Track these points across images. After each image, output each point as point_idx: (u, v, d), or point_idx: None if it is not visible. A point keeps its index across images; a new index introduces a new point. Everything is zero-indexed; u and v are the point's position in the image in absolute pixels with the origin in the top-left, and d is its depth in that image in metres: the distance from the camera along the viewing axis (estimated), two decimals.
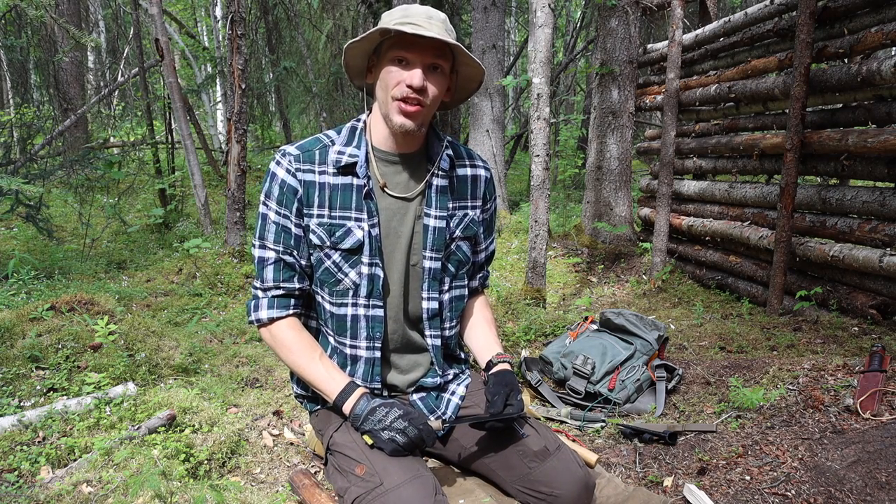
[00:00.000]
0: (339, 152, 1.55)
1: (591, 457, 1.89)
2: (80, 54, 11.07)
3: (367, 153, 1.57)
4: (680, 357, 3.39)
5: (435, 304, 1.63)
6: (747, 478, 2.05)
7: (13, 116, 9.28)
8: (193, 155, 6.27)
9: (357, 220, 1.54)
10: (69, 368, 2.60)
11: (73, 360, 2.66)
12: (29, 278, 4.34)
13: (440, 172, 1.61)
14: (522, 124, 13.12)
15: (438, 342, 1.65)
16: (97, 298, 3.15)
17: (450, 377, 1.72)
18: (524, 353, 3.23)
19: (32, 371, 2.58)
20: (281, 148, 1.59)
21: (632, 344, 2.93)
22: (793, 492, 1.92)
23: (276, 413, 2.62)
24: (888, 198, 3.58)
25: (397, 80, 1.46)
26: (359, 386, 1.54)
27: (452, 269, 1.67)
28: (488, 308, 1.84)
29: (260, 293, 1.59)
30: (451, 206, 1.64)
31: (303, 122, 13.79)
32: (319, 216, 1.54)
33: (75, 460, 2.08)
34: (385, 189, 1.58)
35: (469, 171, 1.69)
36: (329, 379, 1.54)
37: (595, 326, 3.21)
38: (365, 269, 1.55)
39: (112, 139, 10.89)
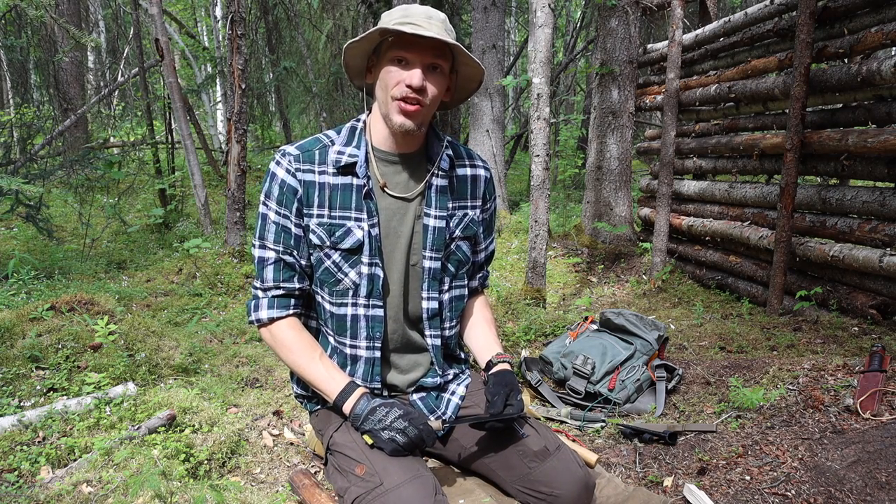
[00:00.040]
0: (339, 152, 1.55)
1: (591, 457, 1.89)
2: (80, 54, 11.07)
3: (366, 153, 1.57)
4: (680, 357, 3.39)
5: (435, 304, 1.63)
6: (747, 478, 2.05)
7: (13, 116, 9.28)
8: (193, 155, 6.27)
9: (357, 220, 1.54)
10: (69, 368, 2.60)
11: (73, 360, 2.66)
12: (29, 278, 4.34)
13: (440, 172, 1.61)
14: (522, 124, 13.12)
15: (438, 342, 1.65)
16: (97, 298, 3.15)
17: (450, 377, 1.72)
18: (524, 353, 3.23)
19: (32, 371, 2.58)
20: (281, 148, 1.59)
21: (632, 344, 2.93)
22: (793, 492, 1.92)
23: (276, 413, 2.62)
24: (888, 198, 3.58)
25: (397, 79, 1.46)
26: (359, 386, 1.54)
27: (452, 268, 1.67)
28: (488, 308, 1.84)
29: (260, 293, 1.59)
30: (450, 205, 1.64)
31: (303, 122, 13.79)
32: (319, 216, 1.54)
33: (75, 460, 2.08)
34: (385, 189, 1.58)
35: (469, 171, 1.69)
36: (329, 379, 1.54)
37: (595, 326, 3.21)
38: (365, 269, 1.55)
39: (112, 139, 10.89)
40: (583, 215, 6.78)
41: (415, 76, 1.44)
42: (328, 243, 1.54)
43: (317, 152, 1.55)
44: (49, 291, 4.11)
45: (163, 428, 2.25)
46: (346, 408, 1.51)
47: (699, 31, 5.64)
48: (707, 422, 2.52)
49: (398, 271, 1.60)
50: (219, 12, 13.02)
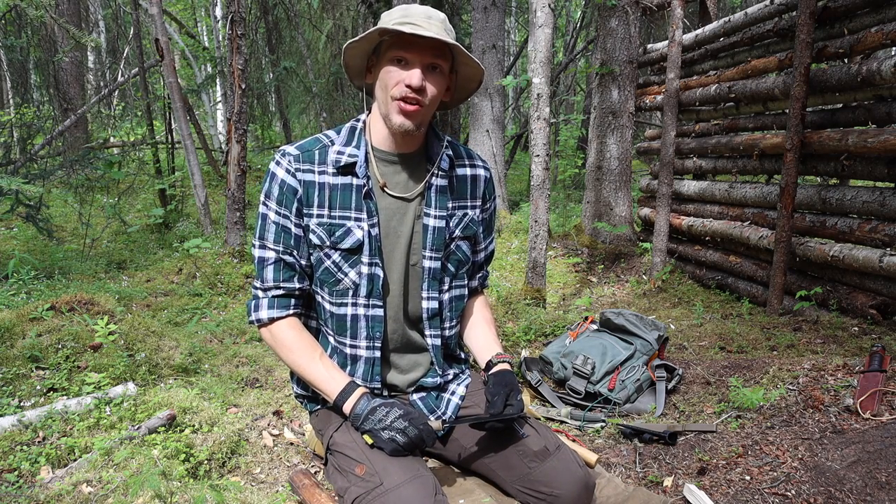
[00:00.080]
0: (339, 152, 1.55)
1: (591, 457, 1.89)
2: (80, 54, 11.07)
3: (366, 153, 1.57)
4: (680, 357, 3.39)
5: (435, 304, 1.63)
6: (747, 478, 2.05)
7: (13, 116, 9.28)
8: (193, 155, 6.27)
9: (357, 219, 1.54)
10: (69, 368, 2.60)
11: (73, 360, 2.66)
12: (29, 278, 4.34)
13: (440, 172, 1.61)
14: (522, 124, 13.12)
15: (438, 342, 1.65)
16: (97, 298, 3.15)
17: (450, 377, 1.72)
18: (524, 353, 3.23)
19: (32, 371, 2.58)
20: (281, 148, 1.59)
21: (632, 344, 2.93)
22: (793, 492, 1.92)
23: (276, 413, 2.62)
24: (888, 198, 3.58)
25: (396, 79, 1.46)
26: (359, 386, 1.54)
27: (452, 268, 1.67)
28: (488, 308, 1.84)
29: (260, 293, 1.59)
30: (450, 205, 1.64)
31: (303, 122, 13.79)
32: (319, 216, 1.54)
33: (75, 460, 2.08)
34: (385, 189, 1.58)
35: (469, 171, 1.69)
36: (329, 379, 1.54)
37: (595, 326, 3.21)
38: (365, 269, 1.55)
39: (112, 139, 10.90)
40: (583, 215, 6.78)
41: (414, 76, 1.44)
42: (328, 243, 1.54)
43: (317, 152, 1.55)
44: (49, 291, 4.11)
45: (163, 428, 2.25)
46: (347, 408, 1.51)
47: (699, 31, 5.64)
48: (707, 422, 2.52)
49: (398, 271, 1.60)
50: (219, 12, 13.02)
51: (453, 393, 1.70)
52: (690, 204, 5.72)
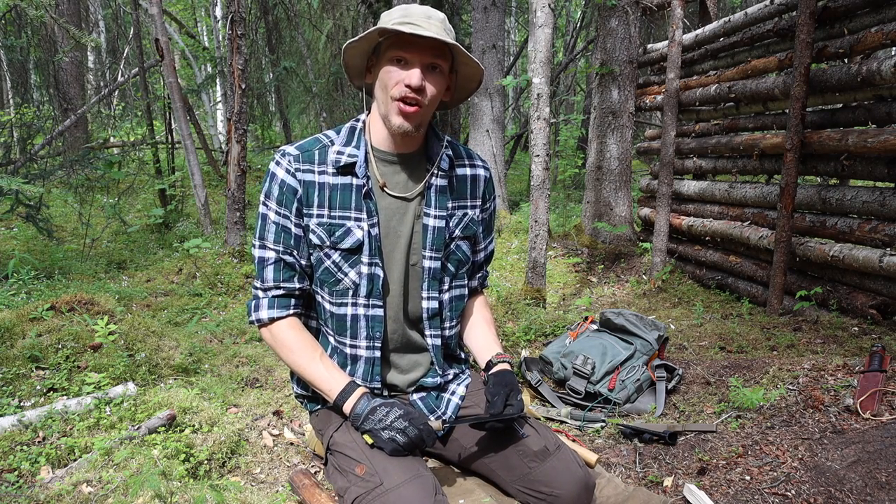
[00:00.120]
0: (339, 152, 1.55)
1: (591, 457, 1.89)
2: (80, 54, 11.07)
3: (366, 153, 1.57)
4: (680, 357, 3.39)
5: (435, 304, 1.63)
6: (747, 478, 2.05)
7: (13, 116, 9.29)
8: (193, 155, 6.27)
9: (356, 219, 1.54)
10: (69, 368, 2.60)
11: (73, 360, 2.66)
12: (29, 278, 4.34)
13: (439, 172, 1.61)
14: (522, 124, 13.12)
15: (438, 342, 1.65)
16: (97, 298, 3.15)
17: (450, 377, 1.72)
18: (524, 353, 3.23)
19: (32, 371, 2.58)
20: (280, 148, 1.59)
21: (632, 344, 2.93)
22: (793, 492, 1.92)
23: (276, 413, 2.62)
24: (888, 198, 3.58)
25: (396, 79, 1.46)
26: (359, 386, 1.54)
27: (452, 268, 1.67)
28: (487, 308, 1.84)
29: (260, 293, 1.59)
30: (450, 205, 1.64)
31: (303, 122, 13.79)
32: (319, 216, 1.54)
33: (75, 460, 2.08)
34: (384, 189, 1.58)
35: (468, 171, 1.69)
36: (329, 378, 1.54)
37: (595, 326, 3.21)
38: (364, 269, 1.55)
39: (112, 139, 10.90)
40: (583, 215, 6.78)
41: (414, 76, 1.44)
42: (328, 243, 1.54)
43: (316, 152, 1.55)
44: (49, 291, 4.11)
45: (163, 428, 2.25)
46: (347, 407, 1.51)
47: (699, 31, 5.64)
48: (707, 422, 2.52)
49: (398, 271, 1.60)
50: (219, 12, 13.02)
51: (453, 393, 1.70)
52: (690, 204, 5.72)
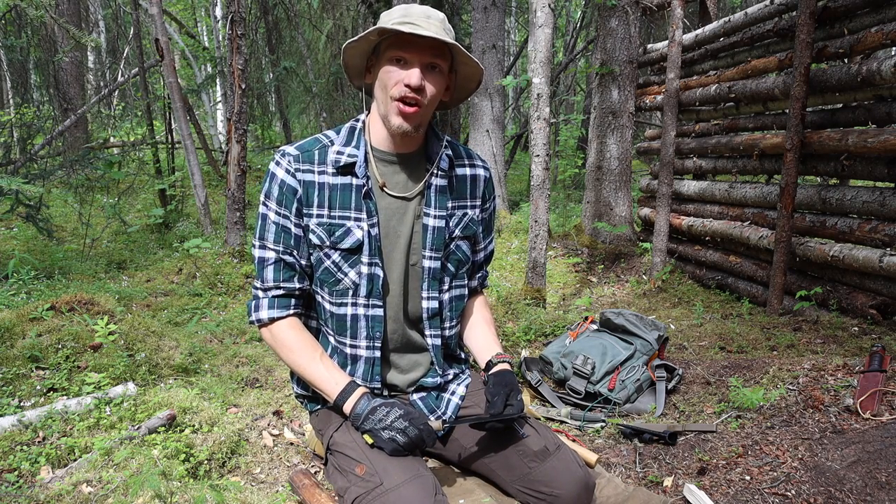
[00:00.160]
0: (339, 152, 1.55)
1: (591, 457, 1.89)
2: (80, 54, 11.07)
3: (366, 153, 1.57)
4: (680, 357, 3.39)
5: (435, 304, 1.63)
6: (747, 478, 2.05)
7: (13, 116, 9.29)
8: (193, 155, 6.27)
9: (356, 219, 1.54)
10: (69, 368, 2.60)
11: (73, 360, 2.66)
12: (29, 278, 4.34)
13: (439, 172, 1.61)
14: (522, 124, 13.12)
15: (438, 342, 1.65)
16: (97, 298, 3.15)
17: (450, 377, 1.72)
18: (524, 353, 3.23)
19: (32, 371, 2.58)
20: (280, 148, 1.59)
21: (632, 344, 2.93)
22: (793, 492, 1.92)
23: (276, 413, 2.62)
24: (888, 198, 3.58)
25: (396, 79, 1.46)
26: (359, 385, 1.54)
27: (452, 268, 1.67)
28: (487, 308, 1.84)
29: (260, 293, 1.59)
30: (450, 205, 1.64)
31: (303, 122, 13.79)
32: (319, 216, 1.54)
33: (75, 460, 2.08)
34: (384, 189, 1.58)
35: (468, 171, 1.69)
36: (329, 378, 1.54)
37: (595, 326, 3.21)
38: (364, 269, 1.55)
39: (112, 139, 10.90)
40: (583, 215, 6.78)
41: (413, 76, 1.44)
42: (328, 243, 1.54)
43: (316, 152, 1.55)
44: (49, 291, 4.11)
45: (163, 428, 2.25)
46: (347, 407, 1.51)
47: (699, 31, 5.64)
48: (707, 422, 2.52)
49: (398, 271, 1.60)
50: (219, 12, 13.03)
51: (453, 393, 1.70)
52: (690, 204, 5.72)
